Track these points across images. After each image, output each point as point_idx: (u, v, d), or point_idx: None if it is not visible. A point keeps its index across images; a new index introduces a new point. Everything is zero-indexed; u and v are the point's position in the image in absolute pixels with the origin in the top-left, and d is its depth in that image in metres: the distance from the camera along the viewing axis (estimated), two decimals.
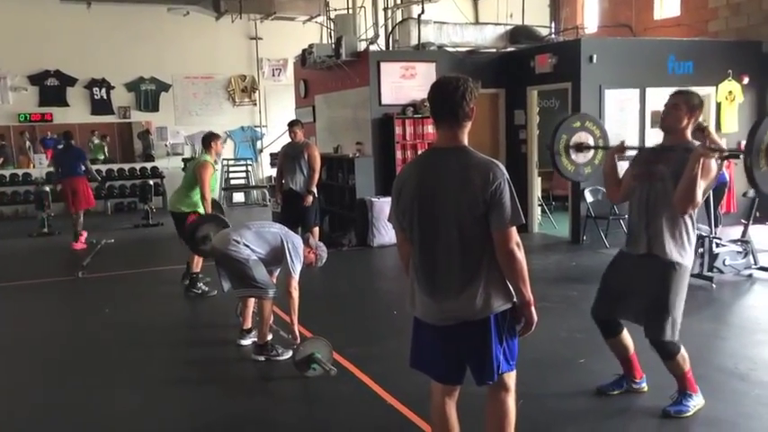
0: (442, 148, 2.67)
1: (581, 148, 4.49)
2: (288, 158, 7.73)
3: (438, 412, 2.86)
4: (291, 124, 7.94)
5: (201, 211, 6.34)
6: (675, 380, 3.67)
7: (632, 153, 3.90)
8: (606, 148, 4.37)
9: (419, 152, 9.10)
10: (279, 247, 4.65)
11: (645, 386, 3.93)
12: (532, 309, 2.65)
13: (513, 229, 2.57)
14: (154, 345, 5.28)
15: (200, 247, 5.92)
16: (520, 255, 2.57)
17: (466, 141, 2.65)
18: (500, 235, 2.55)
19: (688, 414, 3.61)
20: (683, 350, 3.60)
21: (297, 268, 4.66)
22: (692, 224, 3.53)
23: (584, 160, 4.55)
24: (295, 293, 4.67)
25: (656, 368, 3.96)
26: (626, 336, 3.82)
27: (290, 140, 7.85)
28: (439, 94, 2.62)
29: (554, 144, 4.43)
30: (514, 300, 2.65)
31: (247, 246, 4.58)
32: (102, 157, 14.28)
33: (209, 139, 6.57)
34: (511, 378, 2.76)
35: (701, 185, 3.35)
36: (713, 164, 3.39)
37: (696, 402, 3.65)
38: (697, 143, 3.54)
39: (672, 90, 3.66)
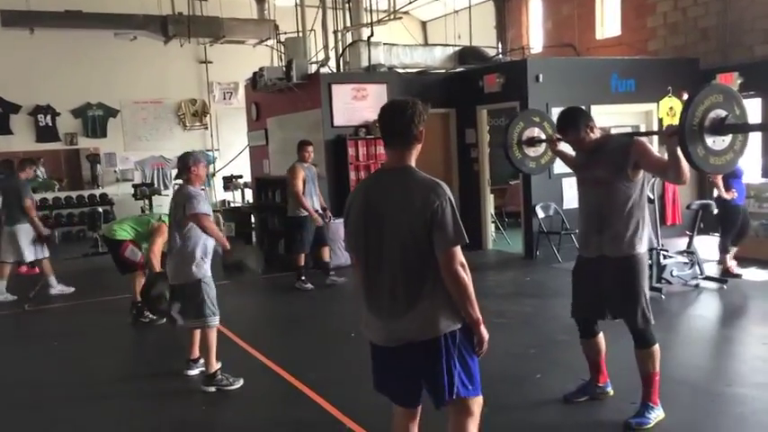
0: (389, 170, 2.70)
1: (532, 142, 4.67)
2: (308, 179, 7.72)
3: None
4: (307, 143, 7.92)
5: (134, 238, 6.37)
6: (642, 382, 3.74)
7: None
8: (549, 140, 4.56)
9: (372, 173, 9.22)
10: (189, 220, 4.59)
11: (610, 390, 4.07)
12: (482, 327, 2.64)
13: (457, 249, 2.56)
14: (101, 380, 5.13)
15: (157, 306, 5.83)
16: (464, 275, 2.55)
17: (413, 163, 2.66)
18: (444, 255, 2.54)
19: (649, 426, 3.67)
20: (657, 345, 3.71)
21: (196, 207, 4.56)
22: (643, 211, 3.67)
23: (535, 155, 4.74)
24: (208, 222, 4.62)
25: (614, 381, 4.05)
26: (600, 339, 3.96)
27: (299, 161, 7.79)
28: (388, 116, 2.65)
29: (508, 134, 4.61)
30: (462, 321, 2.63)
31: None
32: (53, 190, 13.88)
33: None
34: (476, 404, 2.74)
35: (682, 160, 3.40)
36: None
37: (657, 414, 3.73)
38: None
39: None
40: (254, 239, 11.38)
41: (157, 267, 6.12)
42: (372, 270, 2.67)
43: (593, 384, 4.07)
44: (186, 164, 4.73)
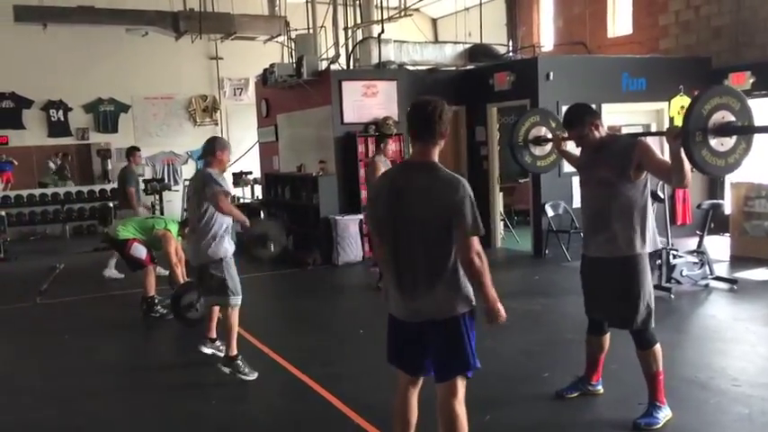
0: (414, 162, 2.98)
1: (539, 141, 4.69)
2: None
3: (400, 398, 3.06)
4: (389, 136, 7.86)
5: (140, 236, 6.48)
6: (647, 383, 3.74)
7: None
8: (555, 139, 4.62)
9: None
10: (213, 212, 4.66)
11: (600, 389, 4.12)
12: (498, 305, 2.90)
13: (474, 240, 2.81)
14: (111, 373, 5.19)
15: (186, 315, 5.90)
16: (479, 262, 2.81)
17: (437, 158, 2.92)
18: (462, 244, 2.81)
19: (658, 426, 3.67)
20: (658, 345, 3.70)
21: (214, 187, 4.60)
22: (646, 212, 3.66)
23: (540, 154, 4.78)
24: (224, 203, 4.66)
25: (621, 381, 4.05)
26: (606, 339, 4.01)
27: (377, 154, 7.41)
28: (417, 113, 2.91)
29: (515, 132, 4.66)
30: (473, 304, 2.89)
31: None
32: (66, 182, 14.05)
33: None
34: (463, 386, 2.93)
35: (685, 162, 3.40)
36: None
37: (665, 414, 3.72)
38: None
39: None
40: None
41: (180, 278, 6.21)
42: (397, 253, 2.91)
43: (586, 381, 4.11)
44: (213, 148, 4.79)
